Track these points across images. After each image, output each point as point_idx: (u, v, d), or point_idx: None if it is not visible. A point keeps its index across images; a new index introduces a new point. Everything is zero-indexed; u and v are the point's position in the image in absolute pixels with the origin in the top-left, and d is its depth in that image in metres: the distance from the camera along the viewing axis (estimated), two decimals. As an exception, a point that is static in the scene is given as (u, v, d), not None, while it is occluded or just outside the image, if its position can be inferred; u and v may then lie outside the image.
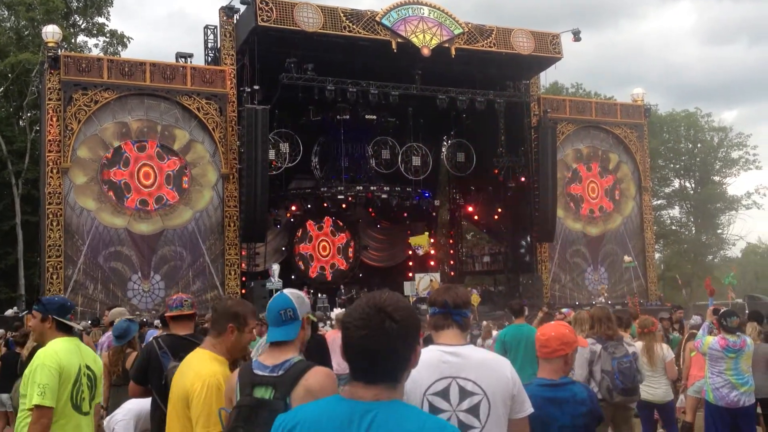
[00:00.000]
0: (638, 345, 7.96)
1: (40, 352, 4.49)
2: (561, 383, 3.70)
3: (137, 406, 5.37)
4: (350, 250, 33.64)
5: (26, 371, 4.47)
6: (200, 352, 3.82)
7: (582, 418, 3.72)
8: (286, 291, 3.42)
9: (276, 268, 23.98)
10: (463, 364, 3.20)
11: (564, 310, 13.41)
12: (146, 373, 4.91)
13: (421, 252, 26.01)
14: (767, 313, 10.82)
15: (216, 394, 3.54)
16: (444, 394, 3.16)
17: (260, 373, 3.20)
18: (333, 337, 9.90)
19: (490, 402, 3.15)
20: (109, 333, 8.57)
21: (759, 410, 8.50)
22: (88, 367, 4.59)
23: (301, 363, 3.19)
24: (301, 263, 32.12)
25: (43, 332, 4.59)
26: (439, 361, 3.20)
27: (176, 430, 3.72)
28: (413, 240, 25.39)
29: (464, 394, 3.16)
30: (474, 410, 3.15)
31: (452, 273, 35.23)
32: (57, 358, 4.39)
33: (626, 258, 29.55)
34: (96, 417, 4.81)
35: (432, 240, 24.73)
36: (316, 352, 7.34)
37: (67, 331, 4.61)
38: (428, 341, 3.31)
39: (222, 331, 3.82)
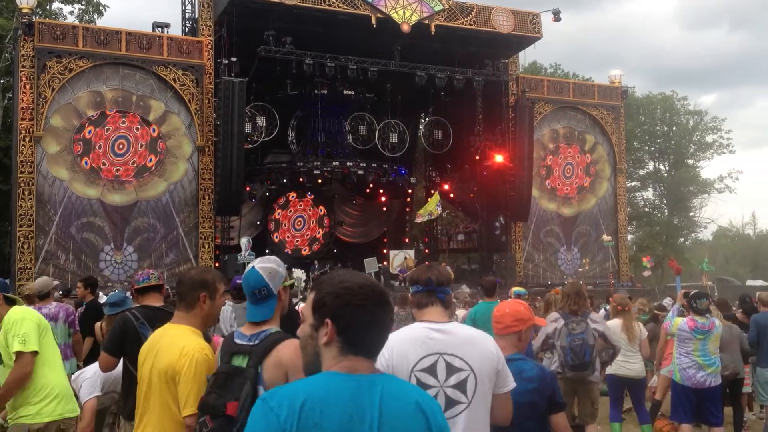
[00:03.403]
0: (614, 323, 8.23)
1: (9, 314, 4.81)
2: (510, 359, 3.68)
3: None
4: (325, 225, 33.61)
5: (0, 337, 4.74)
6: (178, 327, 3.68)
7: (527, 395, 3.73)
8: (258, 265, 3.30)
9: (245, 241, 23.80)
10: (450, 340, 3.24)
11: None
12: (122, 344, 4.83)
13: (432, 217, 25.85)
14: (737, 295, 11.01)
15: (205, 370, 3.45)
16: (431, 370, 3.19)
17: (239, 342, 3.24)
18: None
19: (476, 378, 3.20)
20: (61, 305, 8.51)
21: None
22: None
23: (276, 334, 3.20)
24: (275, 237, 32.05)
25: None
26: (426, 337, 3.24)
27: (156, 407, 3.57)
28: (423, 209, 24.98)
29: (451, 370, 3.19)
30: (461, 386, 3.19)
31: (426, 250, 35.34)
32: (31, 313, 4.87)
33: (605, 237, 29.77)
34: None
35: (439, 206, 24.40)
36: (291, 328, 7.30)
37: (13, 304, 5.04)
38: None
39: (193, 303, 3.69)
